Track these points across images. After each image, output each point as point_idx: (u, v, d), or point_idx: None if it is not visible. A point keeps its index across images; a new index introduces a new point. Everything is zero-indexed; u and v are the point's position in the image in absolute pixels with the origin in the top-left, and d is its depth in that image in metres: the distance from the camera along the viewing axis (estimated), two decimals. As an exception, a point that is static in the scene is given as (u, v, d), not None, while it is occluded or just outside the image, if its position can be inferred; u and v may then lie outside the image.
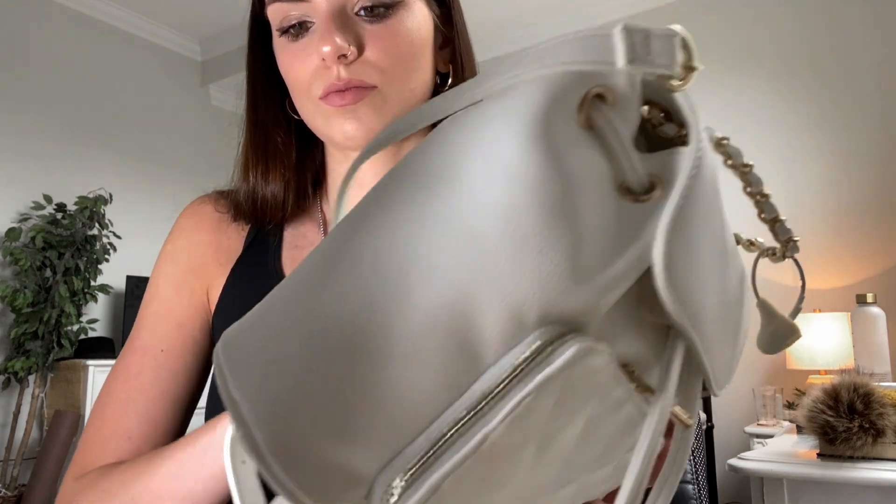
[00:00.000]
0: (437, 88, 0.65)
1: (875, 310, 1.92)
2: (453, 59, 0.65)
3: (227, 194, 0.67)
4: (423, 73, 0.61)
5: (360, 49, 0.56)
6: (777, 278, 2.85)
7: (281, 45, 0.60)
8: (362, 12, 0.57)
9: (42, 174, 3.18)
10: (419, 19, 0.60)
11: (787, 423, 2.46)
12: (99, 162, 3.40)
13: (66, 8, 3.34)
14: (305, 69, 0.58)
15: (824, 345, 2.47)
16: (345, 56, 0.56)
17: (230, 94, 3.94)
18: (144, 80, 3.66)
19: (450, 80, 0.65)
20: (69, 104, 3.31)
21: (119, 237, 3.34)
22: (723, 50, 3.06)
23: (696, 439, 0.87)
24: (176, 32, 3.80)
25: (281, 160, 0.66)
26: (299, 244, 0.65)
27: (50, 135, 3.23)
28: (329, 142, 0.62)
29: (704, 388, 0.26)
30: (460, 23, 0.66)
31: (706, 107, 3.07)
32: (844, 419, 1.39)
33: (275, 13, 0.59)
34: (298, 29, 0.58)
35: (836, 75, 2.82)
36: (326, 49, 0.55)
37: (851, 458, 1.41)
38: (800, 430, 1.67)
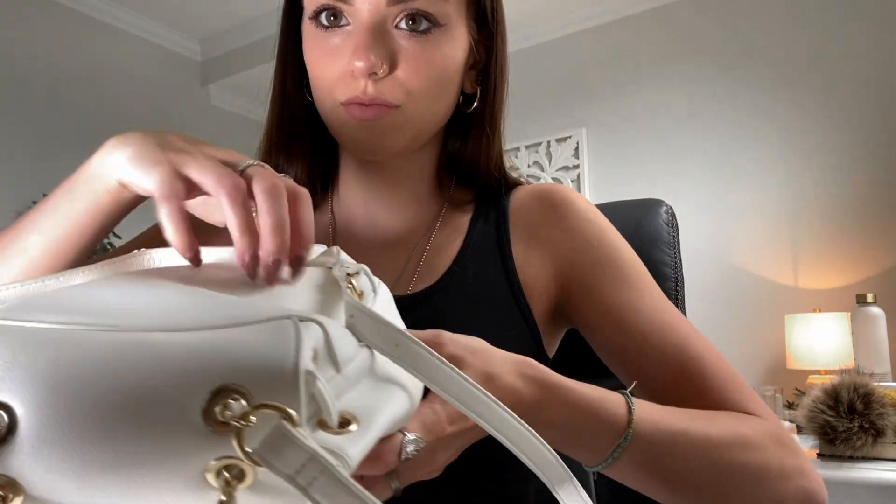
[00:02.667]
0: (459, 108, 0.64)
1: (875, 310, 1.92)
2: (484, 83, 0.64)
3: None
4: (448, 97, 0.60)
5: (393, 66, 0.55)
6: (777, 278, 2.85)
7: (310, 32, 0.59)
8: (402, 24, 0.56)
9: (42, 174, 3.17)
10: (457, 44, 0.58)
11: (787, 423, 2.46)
12: (99, 162, 3.40)
13: (66, 8, 3.34)
14: (332, 70, 0.57)
15: (824, 345, 2.46)
16: (375, 73, 0.55)
17: (230, 94, 3.94)
18: (144, 79, 3.66)
19: (475, 104, 0.64)
20: (69, 104, 3.31)
21: (119, 237, 3.33)
22: (723, 50, 3.06)
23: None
24: (176, 32, 3.79)
25: (301, 148, 0.65)
26: None
27: (49, 134, 3.23)
28: (340, 143, 0.61)
29: None
30: (500, 48, 0.64)
31: (706, 108, 3.07)
32: (844, 419, 1.39)
33: (311, 2, 0.58)
34: (332, 19, 0.57)
35: (835, 75, 2.82)
36: (359, 65, 0.54)
37: (851, 458, 1.41)
38: (800, 430, 1.67)
